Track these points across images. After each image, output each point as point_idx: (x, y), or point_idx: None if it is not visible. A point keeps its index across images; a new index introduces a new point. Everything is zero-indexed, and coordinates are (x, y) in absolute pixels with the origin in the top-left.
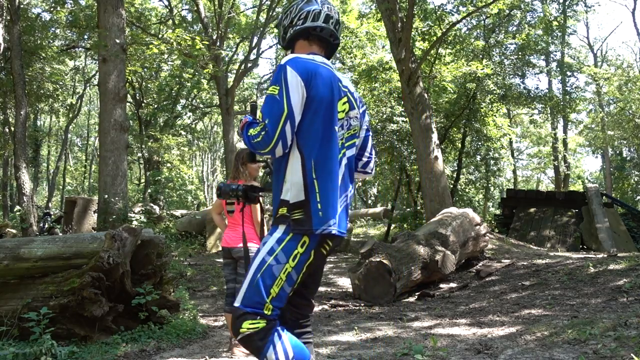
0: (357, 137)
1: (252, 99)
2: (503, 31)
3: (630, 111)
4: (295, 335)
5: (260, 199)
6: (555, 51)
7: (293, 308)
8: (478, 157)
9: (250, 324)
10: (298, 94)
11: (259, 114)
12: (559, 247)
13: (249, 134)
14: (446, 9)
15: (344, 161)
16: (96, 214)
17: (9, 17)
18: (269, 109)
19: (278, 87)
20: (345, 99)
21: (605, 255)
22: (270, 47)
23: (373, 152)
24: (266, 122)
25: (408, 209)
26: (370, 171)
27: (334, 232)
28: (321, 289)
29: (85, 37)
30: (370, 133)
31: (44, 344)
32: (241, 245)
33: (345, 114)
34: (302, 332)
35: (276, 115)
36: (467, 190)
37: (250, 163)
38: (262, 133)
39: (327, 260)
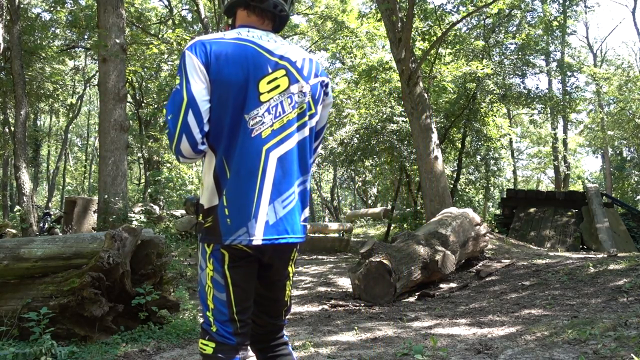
0: (308, 115)
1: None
2: (503, 31)
3: (630, 111)
4: (264, 350)
5: None
6: (555, 51)
7: (252, 323)
8: (478, 157)
9: (201, 342)
10: (200, 80)
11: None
12: (559, 247)
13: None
14: (446, 9)
15: (275, 154)
16: (96, 214)
17: (9, 17)
18: (171, 102)
19: (179, 77)
20: (276, 74)
21: (605, 255)
22: None
23: (318, 148)
24: (168, 117)
25: (408, 209)
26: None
27: (244, 242)
28: (321, 289)
29: (85, 37)
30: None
31: (44, 344)
32: None
33: (278, 94)
34: (274, 346)
35: (177, 106)
36: (467, 190)
37: None
38: (167, 130)
39: (327, 260)
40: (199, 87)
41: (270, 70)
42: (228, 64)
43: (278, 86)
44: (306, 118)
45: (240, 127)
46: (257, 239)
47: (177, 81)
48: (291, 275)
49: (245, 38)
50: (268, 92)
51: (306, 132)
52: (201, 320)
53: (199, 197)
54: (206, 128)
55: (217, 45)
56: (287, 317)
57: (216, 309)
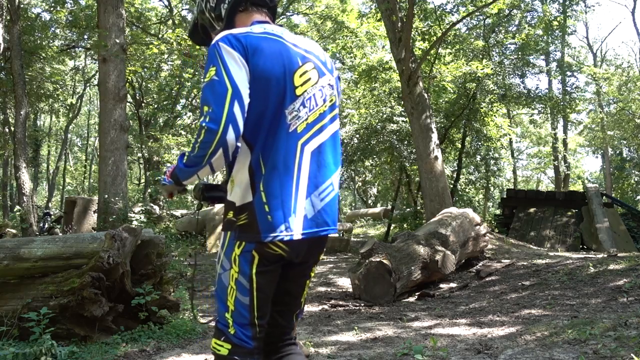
0: (336, 107)
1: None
2: (503, 31)
3: (630, 111)
4: (272, 352)
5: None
6: (555, 51)
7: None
8: (478, 157)
9: (215, 342)
10: (241, 70)
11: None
12: (558, 247)
13: (185, 155)
14: (446, 9)
15: (310, 147)
16: (96, 214)
17: (9, 17)
18: (210, 94)
19: (215, 67)
20: (306, 67)
21: (605, 255)
22: None
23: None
24: (208, 109)
25: (408, 209)
26: None
27: (286, 238)
28: (321, 289)
29: (85, 37)
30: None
31: (44, 344)
32: None
33: (310, 86)
34: (282, 346)
35: (220, 96)
36: (467, 190)
37: None
38: (204, 124)
39: (327, 260)
40: (242, 77)
41: (300, 63)
42: (265, 57)
43: (309, 79)
44: (336, 111)
45: (279, 122)
46: (297, 234)
47: (212, 73)
48: (312, 274)
49: (271, 32)
50: (302, 85)
51: (337, 124)
52: (202, 320)
53: (203, 182)
54: (244, 120)
55: (250, 39)
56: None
57: (237, 311)
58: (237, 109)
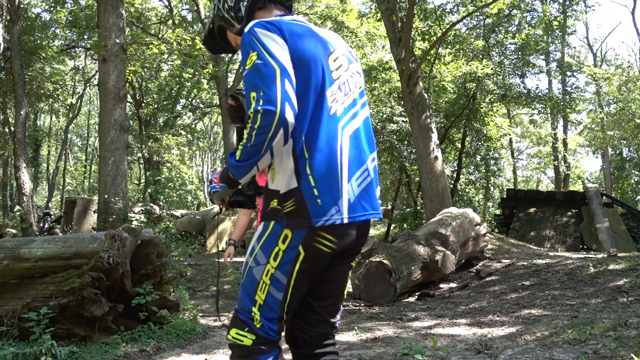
0: (365, 95)
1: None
2: (503, 31)
3: (630, 111)
4: (311, 357)
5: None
6: (555, 51)
7: (304, 324)
8: (478, 157)
9: (236, 333)
10: (284, 51)
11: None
12: (558, 247)
13: (237, 150)
14: (446, 9)
15: (348, 131)
16: (96, 214)
17: (9, 17)
18: (257, 78)
19: (255, 52)
20: (337, 53)
21: (605, 255)
22: None
23: None
24: (258, 93)
25: (408, 209)
26: None
27: (337, 222)
28: None
29: (85, 37)
30: None
31: (44, 344)
32: None
33: (343, 71)
34: (322, 353)
35: (269, 78)
36: (467, 190)
37: None
38: (260, 108)
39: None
40: (286, 57)
41: (331, 49)
42: (302, 41)
43: (342, 65)
44: (365, 98)
45: (322, 105)
46: (345, 217)
47: (254, 58)
48: (353, 264)
49: (299, 20)
50: (336, 69)
51: (367, 110)
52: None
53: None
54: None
55: (284, 23)
56: (339, 317)
57: (266, 306)
58: (288, 86)
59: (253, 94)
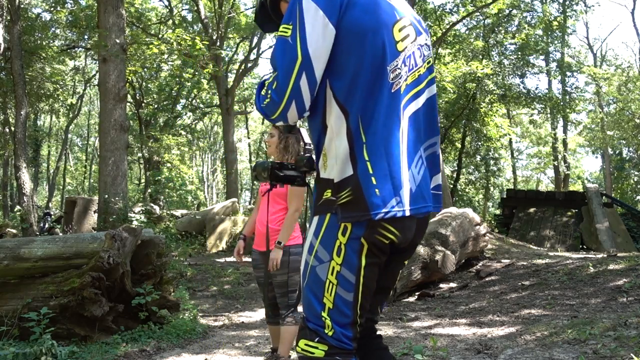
0: (433, 70)
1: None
2: (503, 31)
3: (630, 111)
4: (359, 348)
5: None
6: (555, 51)
7: None
8: (478, 157)
9: (305, 344)
10: (320, 33)
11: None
12: (558, 247)
13: (261, 94)
14: (446, 9)
15: (408, 112)
16: (96, 214)
17: (9, 17)
18: (280, 55)
19: (291, 26)
20: (404, 22)
21: (605, 255)
22: (270, 47)
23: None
24: (276, 74)
25: None
26: None
27: (398, 214)
28: None
29: (85, 37)
30: None
31: (44, 344)
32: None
33: (410, 43)
34: (370, 342)
35: (287, 65)
36: (467, 190)
37: (288, 133)
38: (270, 91)
39: None
40: (318, 44)
41: (397, 17)
42: (361, 9)
43: (408, 35)
44: (434, 74)
45: (381, 81)
46: (407, 209)
47: (288, 32)
48: (406, 262)
49: None
50: (402, 40)
51: (434, 89)
52: (201, 319)
53: (271, 161)
54: (314, 93)
55: None
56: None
57: (337, 309)
58: (304, 82)
59: (274, 66)
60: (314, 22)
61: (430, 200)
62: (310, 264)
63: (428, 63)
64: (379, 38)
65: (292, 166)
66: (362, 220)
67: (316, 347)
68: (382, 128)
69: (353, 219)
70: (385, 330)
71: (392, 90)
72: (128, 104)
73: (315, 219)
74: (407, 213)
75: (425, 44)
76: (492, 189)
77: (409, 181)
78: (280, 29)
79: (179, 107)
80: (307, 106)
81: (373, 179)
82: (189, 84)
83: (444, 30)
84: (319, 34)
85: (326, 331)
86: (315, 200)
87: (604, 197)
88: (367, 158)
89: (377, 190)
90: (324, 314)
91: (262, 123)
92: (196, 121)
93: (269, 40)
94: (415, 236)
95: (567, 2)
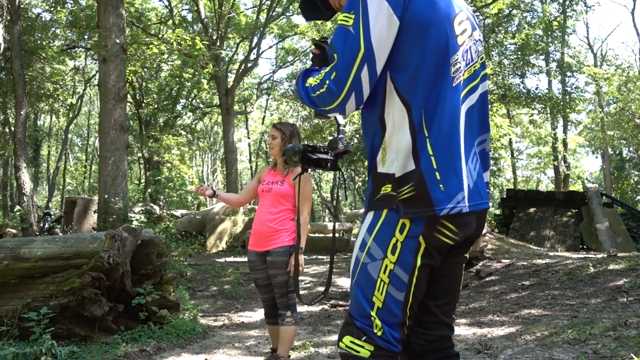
0: (486, 66)
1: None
2: (503, 31)
3: (630, 111)
4: None
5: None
6: (555, 51)
7: (418, 328)
8: None
9: (350, 341)
10: (384, 24)
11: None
12: (558, 247)
13: (307, 84)
14: None
15: (465, 107)
16: (96, 214)
17: (9, 17)
18: (342, 45)
19: (353, 15)
20: (461, 17)
21: (605, 255)
22: (270, 47)
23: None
24: (335, 64)
25: None
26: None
27: (464, 210)
28: (321, 289)
29: (85, 37)
30: None
31: (44, 343)
32: (278, 247)
33: (467, 37)
34: (441, 358)
35: (349, 55)
36: None
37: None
38: (328, 81)
39: (327, 260)
40: (382, 36)
41: (457, 11)
42: (423, 1)
43: (466, 29)
44: (486, 69)
45: (444, 74)
46: (467, 205)
47: (350, 22)
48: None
49: None
50: (461, 34)
51: (487, 85)
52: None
53: (301, 145)
54: (373, 86)
55: None
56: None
57: (386, 309)
58: (365, 74)
59: (334, 57)
60: (378, 13)
61: (485, 197)
62: (362, 261)
63: (481, 59)
64: (442, 31)
65: (325, 149)
66: (425, 216)
67: (362, 347)
68: (446, 122)
69: (416, 214)
70: None
71: (453, 85)
72: (128, 104)
73: (370, 214)
74: (468, 209)
75: (479, 40)
76: (492, 189)
77: (467, 177)
78: (341, 17)
79: (179, 107)
80: (365, 98)
81: (437, 174)
82: (189, 84)
83: None
84: (383, 25)
85: (375, 331)
86: (370, 196)
87: (604, 197)
88: (431, 152)
89: (441, 185)
90: (373, 313)
91: (262, 123)
92: (196, 121)
93: (269, 40)
94: (476, 230)
95: (567, 2)
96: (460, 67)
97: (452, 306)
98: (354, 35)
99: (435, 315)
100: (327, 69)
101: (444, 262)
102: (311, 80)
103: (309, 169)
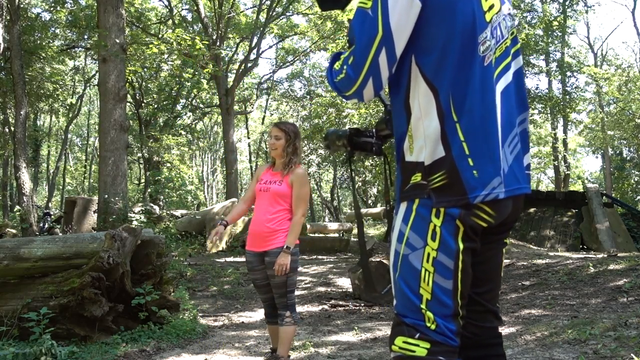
0: (518, 42)
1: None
2: None
3: (630, 111)
4: (478, 357)
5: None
6: (555, 51)
7: (466, 319)
8: None
9: (404, 342)
10: (404, 6)
11: None
12: (558, 247)
13: (333, 68)
14: None
15: (500, 86)
16: (96, 214)
17: (9, 17)
18: (359, 28)
19: None
20: None
21: (605, 255)
22: (270, 47)
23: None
24: (353, 48)
25: None
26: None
27: (501, 196)
28: (321, 289)
29: (85, 37)
30: None
31: (44, 344)
32: (276, 247)
33: (495, 14)
34: (488, 355)
35: (366, 38)
36: None
37: None
38: (345, 66)
39: (327, 260)
40: (401, 18)
41: None
42: None
43: (493, 5)
44: (519, 45)
45: (472, 54)
46: (503, 191)
47: (368, 4)
48: (507, 241)
49: None
50: (489, 10)
51: (520, 61)
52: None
53: (346, 129)
54: (392, 70)
55: None
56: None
57: (436, 299)
58: (382, 58)
59: (352, 39)
60: None
61: (524, 181)
62: (402, 253)
63: (512, 34)
64: (469, 8)
65: (370, 132)
66: (459, 205)
67: (417, 345)
68: (477, 104)
69: (449, 203)
70: (385, 330)
71: (485, 64)
72: (128, 104)
73: (403, 205)
74: (503, 195)
75: (509, 14)
76: None
77: (502, 161)
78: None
79: (178, 107)
80: (385, 84)
81: (470, 160)
82: (189, 84)
83: None
84: (403, 6)
85: (428, 325)
86: (400, 186)
87: (604, 197)
88: (462, 138)
89: (475, 172)
90: (423, 306)
91: (262, 123)
92: (196, 121)
93: (269, 40)
94: (512, 217)
95: (568, 2)
96: (490, 45)
97: (494, 294)
98: (372, 18)
99: (481, 304)
100: (346, 53)
101: (483, 247)
102: (337, 64)
103: (354, 154)
